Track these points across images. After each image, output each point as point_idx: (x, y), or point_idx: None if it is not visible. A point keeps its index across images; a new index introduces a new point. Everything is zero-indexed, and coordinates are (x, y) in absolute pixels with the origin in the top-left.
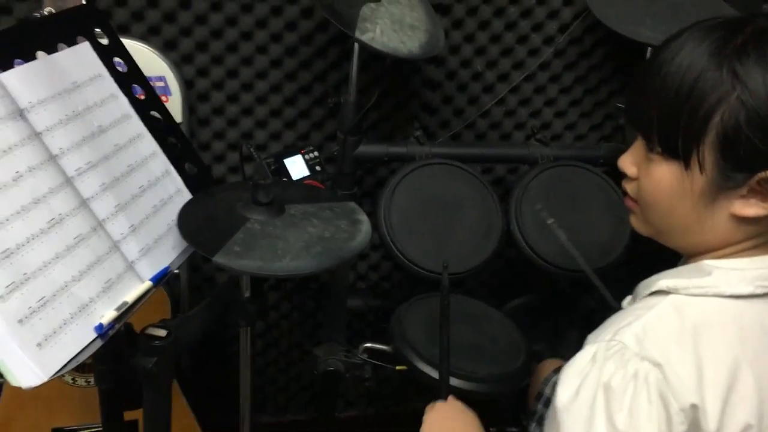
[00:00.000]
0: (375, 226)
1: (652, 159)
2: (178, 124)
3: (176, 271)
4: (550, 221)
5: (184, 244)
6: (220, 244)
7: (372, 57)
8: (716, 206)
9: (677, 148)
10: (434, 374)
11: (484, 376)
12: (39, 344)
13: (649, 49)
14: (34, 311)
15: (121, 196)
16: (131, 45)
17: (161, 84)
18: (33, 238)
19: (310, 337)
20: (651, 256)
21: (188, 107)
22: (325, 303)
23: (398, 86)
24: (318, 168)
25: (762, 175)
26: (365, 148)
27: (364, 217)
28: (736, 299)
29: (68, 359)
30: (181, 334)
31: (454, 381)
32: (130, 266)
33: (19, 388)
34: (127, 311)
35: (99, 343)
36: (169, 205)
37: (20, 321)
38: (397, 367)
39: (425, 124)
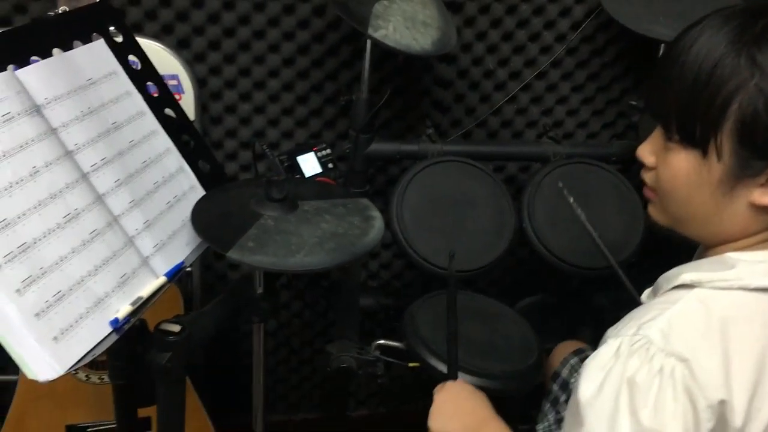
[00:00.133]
0: (387, 223)
1: (670, 148)
2: (191, 122)
3: (189, 268)
4: (571, 199)
5: (197, 239)
6: (234, 240)
7: (384, 55)
8: (735, 195)
9: (695, 136)
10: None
11: (496, 373)
12: (55, 338)
13: (662, 46)
14: (50, 305)
15: (136, 192)
16: (144, 44)
17: (174, 82)
18: (49, 233)
19: (321, 335)
20: (665, 253)
21: (201, 105)
22: (336, 301)
23: (410, 84)
24: (330, 165)
25: None
26: (377, 146)
27: (377, 214)
28: (761, 292)
29: (84, 353)
30: (194, 329)
31: (466, 377)
32: (145, 261)
33: (33, 386)
34: (142, 306)
35: (114, 338)
36: (183, 201)
37: (37, 315)
38: (410, 364)
39: (437, 123)
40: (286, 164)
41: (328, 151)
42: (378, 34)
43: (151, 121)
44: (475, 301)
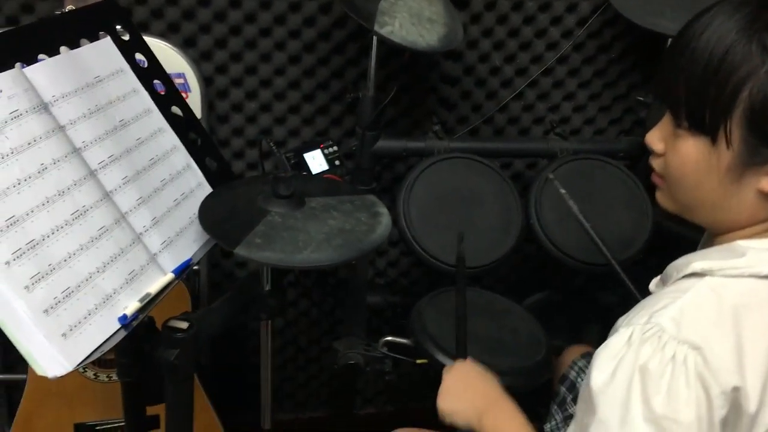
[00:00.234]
0: (394, 220)
1: (679, 134)
2: (198, 120)
3: (196, 267)
4: (562, 191)
5: (205, 236)
6: (241, 237)
7: (390, 52)
8: (743, 182)
9: (705, 122)
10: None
11: (504, 369)
12: (64, 334)
13: (669, 40)
14: (59, 302)
15: (144, 189)
16: (151, 42)
17: (181, 81)
18: (57, 230)
19: (329, 333)
20: (672, 249)
21: (207, 104)
22: (344, 298)
23: (416, 81)
24: (337, 163)
25: None
26: (384, 143)
27: (384, 210)
28: None
29: (93, 349)
30: (202, 326)
31: None
32: (153, 258)
33: (42, 384)
34: (150, 302)
35: (122, 334)
36: (191, 198)
37: (45, 311)
38: (418, 361)
39: (443, 120)
40: (292, 161)
41: (335, 148)
42: (384, 31)
43: (158, 118)
44: (483, 298)
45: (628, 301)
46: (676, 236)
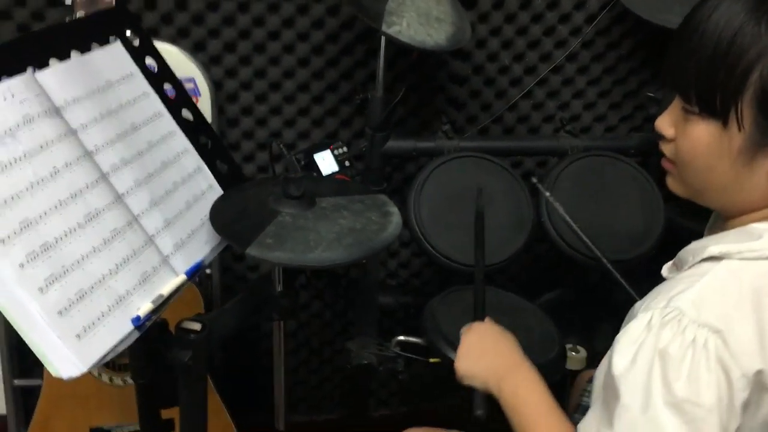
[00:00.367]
0: (405, 220)
1: (689, 119)
2: (208, 123)
3: (208, 270)
4: (547, 194)
5: (217, 238)
6: (253, 237)
7: (398, 53)
8: (755, 164)
9: (715, 105)
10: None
11: None
12: (78, 335)
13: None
14: (72, 303)
15: (155, 191)
16: (161, 47)
17: (191, 85)
18: (70, 232)
19: (341, 335)
20: (685, 245)
21: (218, 108)
22: (355, 299)
23: (425, 82)
24: (347, 163)
25: None
26: (393, 144)
27: (394, 209)
28: None
29: (106, 350)
30: (215, 327)
31: None
32: (165, 260)
33: (58, 389)
34: (162, 304)
35: (136, 335)
36: (202, 200)
37: (60, 313)
38: (431, 360)
39: (453, 119)
40: (302, 163)
41: (345, 149)
42: (392, 30)
43: (168, 121)
44: (496, 296)
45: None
46: (689, 232)
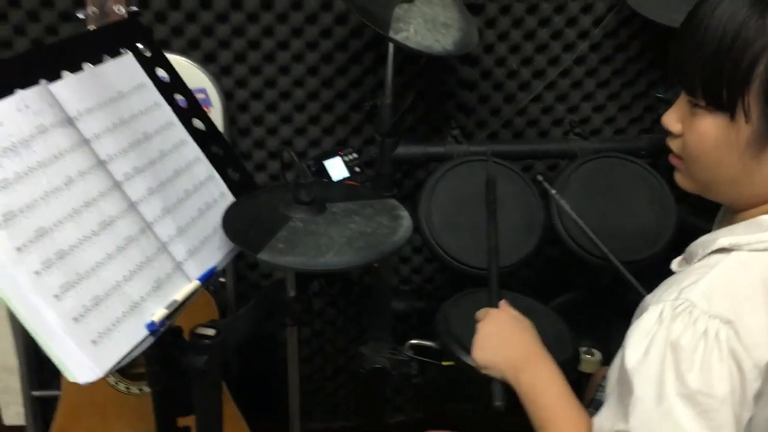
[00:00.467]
0: (416, 224)
1: (696, 113)
2: (220, 132)
3: (223, 279)
4: (552, 191)
5: (229, 244)
6: (264, 242)
7: (407, 60)
8: (763, 156)
9: (722, 99)
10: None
11: None
12: (94, 341)
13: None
14: (88, 309)
15: (168, 199)
16: (172, 59)
17: (202, 96)
18: (85, 240)
19: (356, 341)
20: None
21: (229, 118)
22: (369, 304)
23: (434, 88)
24: (357, 169)
25: None
26: (403, 150)
27: (404, 213)
28: None
29: (122, 355)
30: (229, 332)
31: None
32: (179, 266)
33: (76, 399)
34: (176, 309)
35: (151, 340)
36: (214, 208)
37: (75, 319)
38: (444, 363)
39: (462, 125)
40: (313, 169)
41: (355, 155)
42: (399, 37)
43: (180, 131)
44: (508, 298)
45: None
46: (701, 232)
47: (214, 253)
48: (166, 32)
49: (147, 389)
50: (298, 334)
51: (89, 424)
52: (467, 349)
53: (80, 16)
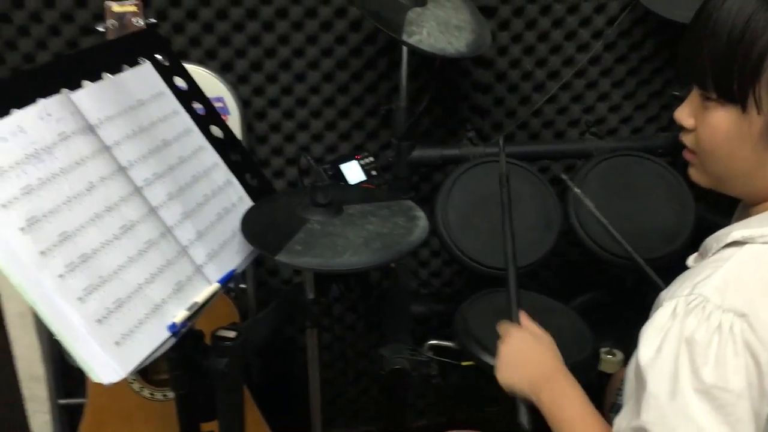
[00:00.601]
0: (433, 226)
1: (708, 107)
2: (237, 138)
3: (244, 286)
4: (576, 190)
5: (248, 248)
6: (282, 244)
7: (421, 64)
8: None
9: (733, 91)
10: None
11: None
12: (117, 342)
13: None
14: (111, 312)
15: (187, 204)
16: (190, 69)
17: (220, 104)
18: (107, 244)
19: (376, 347)
20: None
21: (246, 126)
22: (387, 308)
23: (449, 91)
24: (374, 173)
25: None
26: (419, 153)
27: (420, 213)
28: None
29: (144, 356)
30: (249, 335)
31: None
32: (199, 269)
33: (101, 406)
34: (197, 311)
35: (172, 341)
36: (233, 212)
37: (99, 321)
38: (463, 363)
39: (478, 127)
40: (330, 173)
41: (371, 159)
42: (413, 40)
43: (198, 137)
44: (527, 298)
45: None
46: (720, 229)
47: (233, 256)
48: (185, 43)
49: (171, 395)
50: (319, 339)
51: (114, 430)
52: (486, 349)
53: (100, 29)
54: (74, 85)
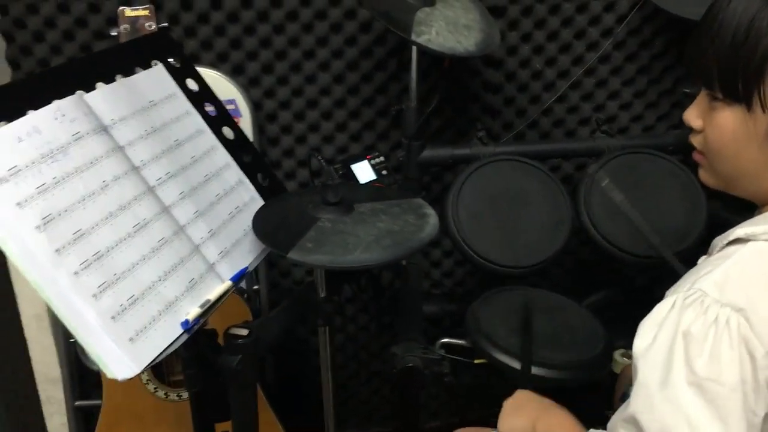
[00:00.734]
0: (444, 224)
1: (715, 107)
2: (248, 139)
3: (257, 287)
4: (606, 180)
5: (259, 246)
6: (293, 242)
7: (431, 64)
8: None
9: (738, 91)
10: (513, 364)
11: (562, 364)
12: (131, 339)
13: None
14: (125, 309)
15: (200, 203)
16: (202, 72)
17: (232, 107)
18: (121, 242)
19: (388, 346)
20: None
21: (258, 127)
22: (399, 307)
23: (459, 91)
24: (384, 172)
25: None
26: (430, 152)
27: (431, 211)
28: None
29: (158, 353)
30: (262, 332)
31: (533, 369)
32: (211, 267)
33: (116, 407)
34: (210, 308)
35: (185, 338)
36: (244, 211)
37: (113, 318)
38: (476, 361)
39: (488, 127)
40: (340, 173)
41: (382, 158)
42: (421, 39)
43: (210, 138)
44: (540, 296)
45: None
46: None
47: (245, 254)
48: (196, 46)
49: (185, 395)
50: (331, 339)
51: (129, 430)
52: (498, 346)
53: (113, 33)
54: (88, 87)
